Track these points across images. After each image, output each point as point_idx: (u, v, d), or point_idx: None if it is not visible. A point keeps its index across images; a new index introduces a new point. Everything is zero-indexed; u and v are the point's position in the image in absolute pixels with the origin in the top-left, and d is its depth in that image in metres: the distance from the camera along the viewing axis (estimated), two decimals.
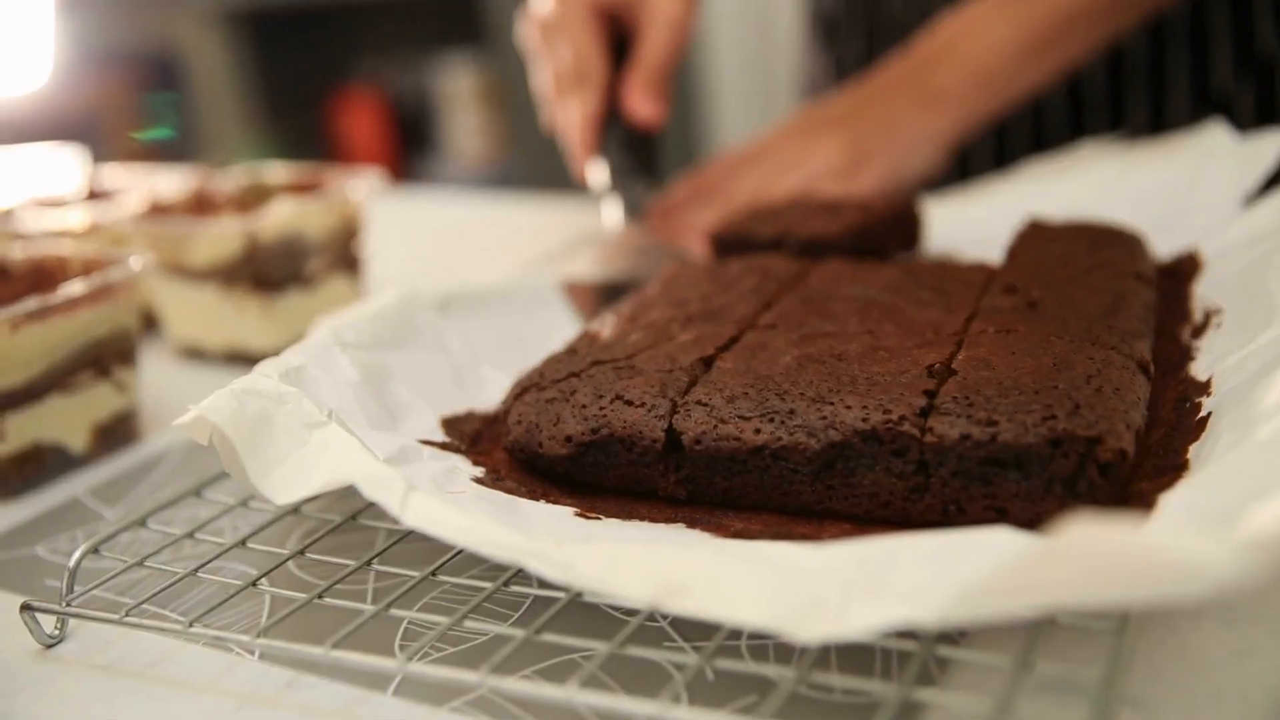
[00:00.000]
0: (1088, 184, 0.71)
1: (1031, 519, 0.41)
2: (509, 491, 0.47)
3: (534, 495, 0.48)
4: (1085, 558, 0.30)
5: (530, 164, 2.61)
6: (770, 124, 0.88)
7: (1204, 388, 0.48)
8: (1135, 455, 0.42)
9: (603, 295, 0.71)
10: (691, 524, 0.45)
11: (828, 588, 0.34)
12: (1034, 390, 0.43)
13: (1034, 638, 0.35)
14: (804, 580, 0.35)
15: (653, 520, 0.46)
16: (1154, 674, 0.37)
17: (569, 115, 0.82)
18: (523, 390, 0.51)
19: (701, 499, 0.47)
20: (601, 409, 0.48)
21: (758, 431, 0.45)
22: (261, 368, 0.50)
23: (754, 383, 0.47)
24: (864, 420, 0.43)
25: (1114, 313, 0.51)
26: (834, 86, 1.01)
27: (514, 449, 0.50)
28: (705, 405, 0.46)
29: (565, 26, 0.82)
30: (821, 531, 0.44)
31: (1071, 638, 0.39)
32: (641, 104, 0.80)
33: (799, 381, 0.46)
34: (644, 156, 0.80)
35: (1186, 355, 0.52)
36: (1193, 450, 0.43)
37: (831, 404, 0.44)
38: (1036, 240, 0.61)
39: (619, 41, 0.84)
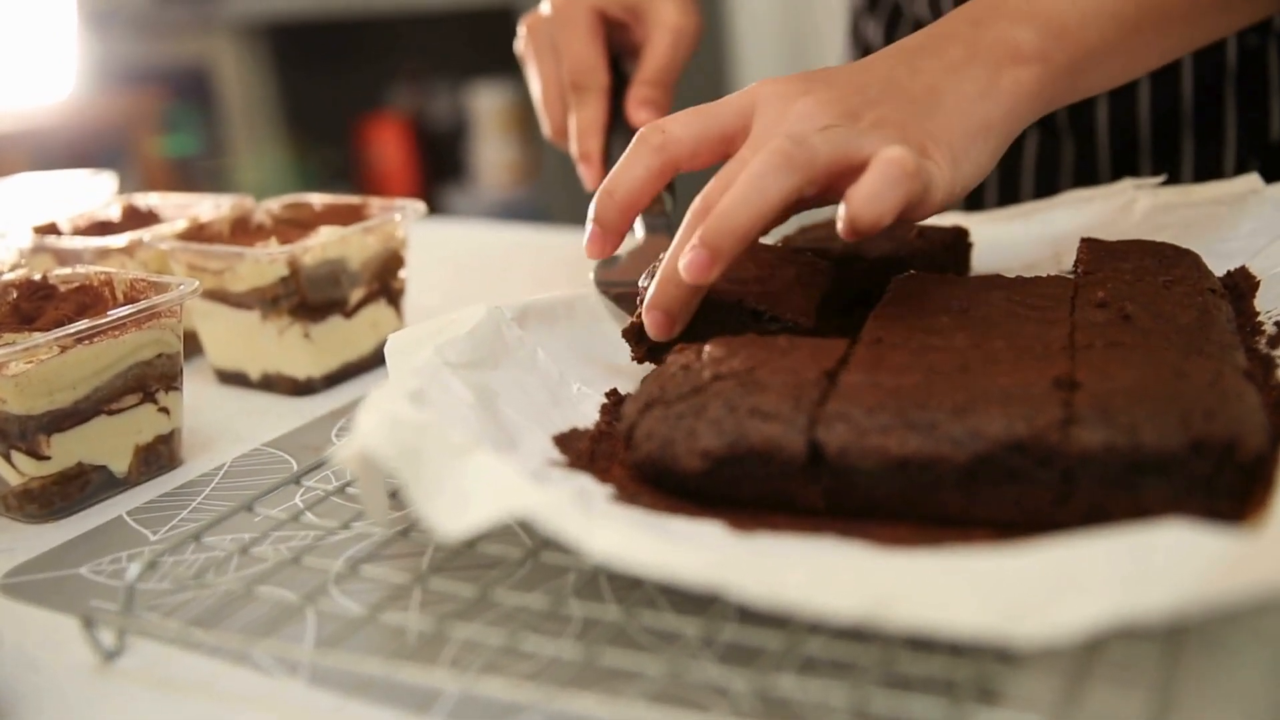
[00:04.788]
0: (1128, 213, 0.72)
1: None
2: (649, 508, 0.47)
3: (672, 511, 0.48)
4: None
5: (555, 192, 2.62)
6: None
7: None
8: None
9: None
10: (841, 535, 0.45)
11: (1034, 589, 0.35)
12: (1165, 397, 0.44)
13: (1084, 664, 0.35)
14: (1008, 583, 0.36)
15: (799, 530, 0.46)
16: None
17: (571, 124, 0.80)
18: (646, 406, 0.51)
19: (840, 509, 0.47)
20: (738, 423, 0.48)
21: (904, 443, 0.45)
22: (385, 392, 0.48)
23: (890, 395, 0.47)
24: (1008, 431, 0.44)
25: (1205, 326, 0.52)
26: None
27: (644, 464, 0.50)
28: (845, 417, 0.46)
29: (565, 31, 0.80)
30: (969, 538, 0.44)
31: (1118, 674, 0.39)
32: (641, 114, 0.78)
33: (934, 394, 0.46)
34: None
35: (1270, 363, 0.53)
36: None
37: (973, 416, 0.45)
38: (1105, 256, 0.61)
39: (614, 52, 0.83)
